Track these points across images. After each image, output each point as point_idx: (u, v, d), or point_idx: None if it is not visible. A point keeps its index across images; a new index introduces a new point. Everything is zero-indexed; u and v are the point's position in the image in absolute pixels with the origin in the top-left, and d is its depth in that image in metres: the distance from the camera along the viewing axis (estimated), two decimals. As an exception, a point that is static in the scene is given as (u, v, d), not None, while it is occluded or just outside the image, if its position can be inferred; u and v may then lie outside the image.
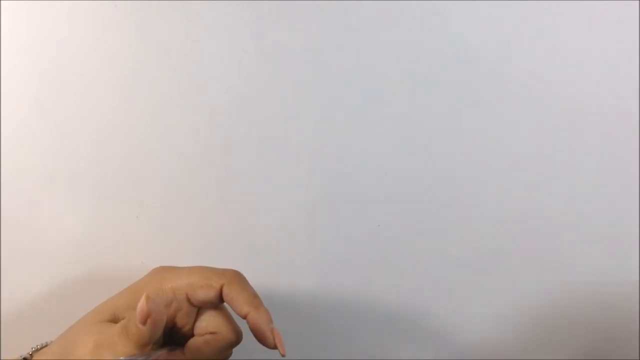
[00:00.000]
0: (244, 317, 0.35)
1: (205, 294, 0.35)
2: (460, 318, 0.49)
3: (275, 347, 0.34)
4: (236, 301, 0.35)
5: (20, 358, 0.35)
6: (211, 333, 0.36)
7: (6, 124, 0.44)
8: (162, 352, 0.34)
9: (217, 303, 0.36)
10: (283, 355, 0.34)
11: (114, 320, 0.35)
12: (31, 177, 0.45)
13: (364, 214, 0.46)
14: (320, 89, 0.44)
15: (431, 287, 0.48)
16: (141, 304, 0.31)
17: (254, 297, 0.36)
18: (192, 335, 0.37)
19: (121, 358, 0.31)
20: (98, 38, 0.43)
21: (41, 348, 0.36)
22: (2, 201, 0.45)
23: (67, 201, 0.45)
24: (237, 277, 0.37)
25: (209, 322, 0.37)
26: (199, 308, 0.37)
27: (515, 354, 0.49)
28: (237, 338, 0.37)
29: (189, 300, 0.36)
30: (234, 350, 0.38)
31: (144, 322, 0.31)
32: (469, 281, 0.48)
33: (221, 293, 0.36)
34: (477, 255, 0.47)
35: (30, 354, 0.36)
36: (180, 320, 0.36)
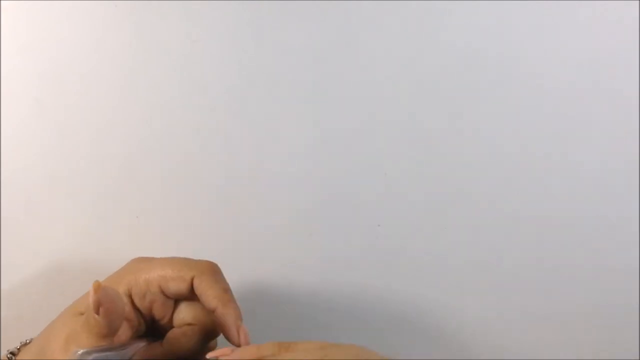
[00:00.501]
0: (213, 312, 0.34)
1: (176, 286, 0.35)
2: (460, 318, 0.49)
3: (239, 346, 0.34)
4: (205, 295, 0.34)
5: (7, 353, 0.35)
6: (189, 324, 0.36)
7: (6, 124, 0.44)
8: (140, 345, 0.34)
9: (191, 295, 0.35)
10: None
11: None
12: (31, 177, 0.45)
13: (364, 214, 0.46)
14: (320, 89, 0.44)
15: (431, 287, 0.48)
16: (91, 294, 0.30)
17: (224, 292, 0.35)
18: (172, 327, 0.36)
19: (79, 351, 0.30)
20: (98, 38, 0.43)
21: (29, 343, 0.36)
22: (2, 201, 0.45)
23: (67, 201, 0.45)
24: (209, 270, 0.36)
25: (186, 314, 0.36)
26: (177, 299, 0.36)
27: (515, 354, 0.49)
28: (216, 329, 0.36)
29: (163, 292, 0.35)
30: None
31: (97, 312, 0.30)
32: (468, 281, 0.48)
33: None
34: (477, 255, 0.47)
35: (18, 348, 0.36)
36: (158, 312, 0.36)
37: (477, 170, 0.46)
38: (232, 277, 0.46)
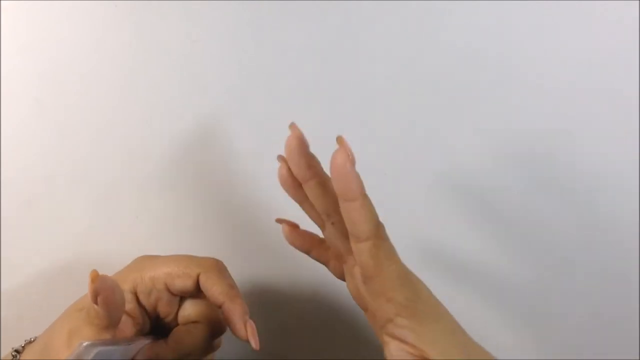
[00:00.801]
0: (219, 308, 0.34)
1: (182, 283, 0.35)
2: (460, 318, 0.49)
3: (247, 340, 0.34)
4: (211, 291, 0.35)
5: (12, 351, 0.35)
6: (194, 322, 0.36)
7: (6, 124, 0.44)
8: (145, 343, 0.34)
9: (196, 292, 0.36)
10: (256, 349, 0.34)
11: None
12: (31, 177, 0.45)
13: (364, 214, 0.46)
14: (320, 89, 0.44)
15: (431, 287, 0.48)
16: (89, 284, 0.30)
17: (231, 288, 0.35)
18: (177, 325, 0.36)
19: (84, 343, 0.29)
20: (98, 38, 0.43)
21: (33, 341, 0.36)
22: (2, 201, 0.45)
23: (67, 201, 0.45)
24: (215, 266, 0.36)
25: (191, 311, 0.36)
26: (182, 297, 0.36)
27: (515, 354, 0.49)
28: (221, 327, 0.36)
29: (168, 289, 0.35)
30: (234, 350, 0.37)
31: (96, 301, 0.30)
32: (468, 281, 0.48)
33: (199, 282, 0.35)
34: (477, 255, 0.47)
35: (23, 347, 0.36)
36: (163, 310, 0.36)
37: (477, 170, 0.46)
38: (232, 277, 0.46)
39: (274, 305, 0.48)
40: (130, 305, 0.35)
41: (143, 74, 0.44)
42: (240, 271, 0.47)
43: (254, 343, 0.34)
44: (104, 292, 0.30)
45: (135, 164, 0.45)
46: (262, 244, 0.47)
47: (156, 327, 0.37)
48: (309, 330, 0.49)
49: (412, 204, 0.46)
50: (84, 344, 0.29)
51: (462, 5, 0.43)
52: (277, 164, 0.46)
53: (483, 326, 0.49)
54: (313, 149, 0.45)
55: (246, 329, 0.34)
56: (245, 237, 0.47)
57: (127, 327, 0.34)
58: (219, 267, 0.36)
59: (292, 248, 0.47)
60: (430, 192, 0.46)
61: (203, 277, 0.35)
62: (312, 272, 0.48)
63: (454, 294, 0.48)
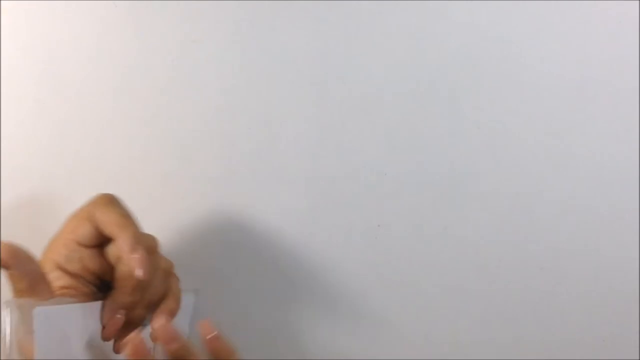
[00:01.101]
0: (114, 239, 0.33)
1: (85, 230, 0.34)
2: (460, 318, 0.49)
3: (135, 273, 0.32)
4: (103, 224, 0.34)
5: None
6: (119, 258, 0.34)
7: (6, 124, 0.44)
8: (98, 303, 0.33)
9: (102, 233, 0.34)
10: (142, 278, 0.32)
11: None
12: (31, 176, 0.45)
13: (364, 214, 0.46)
14: (320, 89, 0.44)
15: (431, 287, 0.48)
16: None
17: (121, 217, 0.34)
18: None
19: (2, 302, 0.28)
20: (98, 38, 0.43)
21: None
22: (2, 201, 0.45)
23: (67, 201, 0.45)
24: (103, 200, 0.35)
25: (115, 251, 0.34)
26: (102, 246, 0.35)
27: (514, 354, 0.49)
28: (136, 240, 0.34)
29: (81, 245, 0.34)
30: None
31: (5, 267, 0.29)
32: (468, 281, 0.48)
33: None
34: (477, 255, 0.47)
35: None
36: (94, 267, 0.35)
37: (477, 170, 0.46)
38: (232, 276, 0.46)
39: (270, 308, 0.48)
40: (62, 280, 0.34)
41: (143, 74, 0.44)
42: (238, 272, 0.47)
43: (139, 271, 0.32)
44: (10, 259, 0.29)
45: (135, 164, 0.45)
46: (260, 245, 0.47)
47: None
48: (307, 332, 0.49)
49: (412, 204, 0.46)
50: (2, 302, 0.28)
51: (463, 5, 0.43)
52: (276, 165, 0.46)
53: (483, 325, 0.49)
54: (312, 149, 0.45)
55: (133, 256, 0.32)
56: (244, 237, 0.47)
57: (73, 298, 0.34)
58: (107, 200, 0.35)
59: (289, 251, 0.47)
60: (429, 192, 0.46)
61: (96, 215, 0.34)
62: (310, 274, 0.48)
63: (455, 293, 0.48)
